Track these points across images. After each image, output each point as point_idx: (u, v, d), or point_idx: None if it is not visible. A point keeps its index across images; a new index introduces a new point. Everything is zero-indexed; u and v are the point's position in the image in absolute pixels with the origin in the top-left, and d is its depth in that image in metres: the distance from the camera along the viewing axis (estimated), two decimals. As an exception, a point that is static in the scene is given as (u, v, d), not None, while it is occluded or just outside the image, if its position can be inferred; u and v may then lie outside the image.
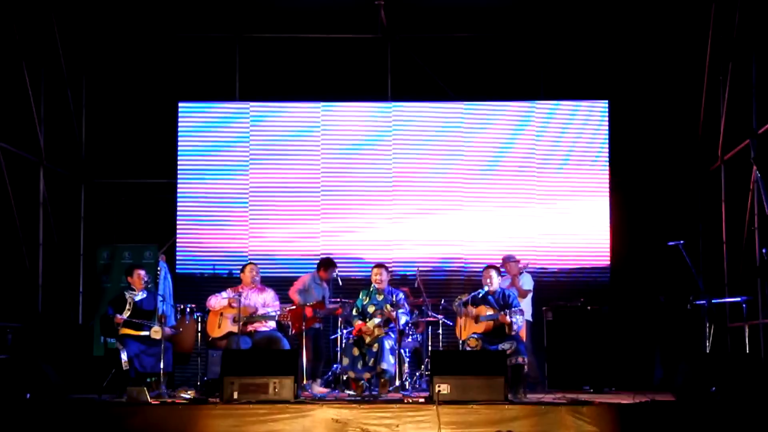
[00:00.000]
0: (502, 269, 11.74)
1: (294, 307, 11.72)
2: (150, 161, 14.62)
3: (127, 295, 11.38)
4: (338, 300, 12.21)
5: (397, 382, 11.02)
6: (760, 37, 11.99)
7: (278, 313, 11.57)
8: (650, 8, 13.93)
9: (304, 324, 11.66)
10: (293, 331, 11.60)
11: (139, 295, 11.40)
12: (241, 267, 12.09)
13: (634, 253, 14.07)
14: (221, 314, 11.52)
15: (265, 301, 11.65)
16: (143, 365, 10.94)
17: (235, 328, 11.26)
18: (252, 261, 12.18)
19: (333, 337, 12.31)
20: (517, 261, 12.50)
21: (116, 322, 11.14)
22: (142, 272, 11.55)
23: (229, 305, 11.45)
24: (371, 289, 11.29)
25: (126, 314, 11.22)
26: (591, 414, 9.03)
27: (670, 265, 12.71)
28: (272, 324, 11.57)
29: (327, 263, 12.32)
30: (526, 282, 12.31)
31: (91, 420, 9.25)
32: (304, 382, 11.30)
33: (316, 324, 11.99)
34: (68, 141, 14.31)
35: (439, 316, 12.48)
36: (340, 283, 12.35)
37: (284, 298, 12.11)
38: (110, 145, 14.71)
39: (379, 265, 11.40)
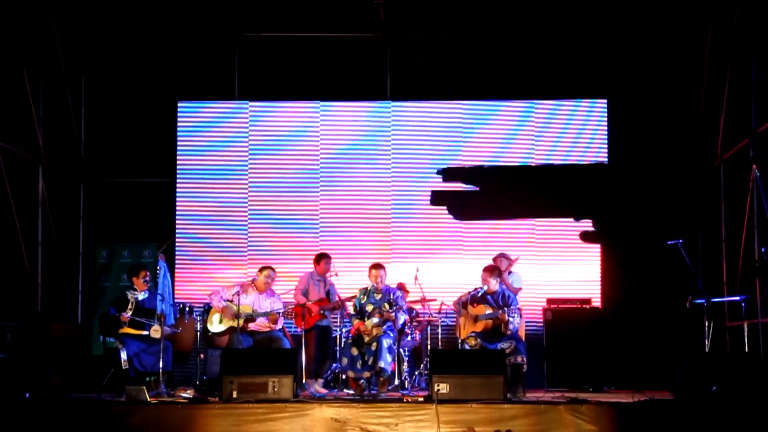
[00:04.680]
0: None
1: (296, 304, 11.76)
2: (149, 160, 14.62)
3: (129, 294, 11.37)
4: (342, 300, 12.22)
5: (396, 381, 11.03)
6: (760, 36, 11.99)
7: (282, 310, 11.57)
8: (649, 7, 13.93)
9: (304, 323, 11.68)
10: (299, 329, 11.61)
11: (141, 295, 11.39)
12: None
13: (634, 252, 14.06)
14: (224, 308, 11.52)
15: (272, 307, 11.61)
16: (143, 364, 10.94)
17: (236, 323, 11.24)
18: (270, 266, 12.09)
19: (333, 335, 12.30)
20: (509, 259, 12.50)
21: (122, 320, 11.13)
22: (148, 273, 11.56)
23: (225, 313, 11.40)
24: (369, 288, 11.30)
25: (129, 314, 11.22)
26: (590, 413, 9.04)
27: (670, 264, 12.71)
28: (280, 325, 11.54)
29: (320, 257, 12.32)
30: (516, 280, 12.31)
31: (90, 419, 9.25)
32: (305, 380, 11.30)
33: (323, 321, 12.00)
34: (67, 140, 14.32)
35: (439, 315, 12.50)
36: (339, 281, 12.33)
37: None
38: (109, 145, 14.71)
39: (377, 265, 11.41)
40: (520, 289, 12.33)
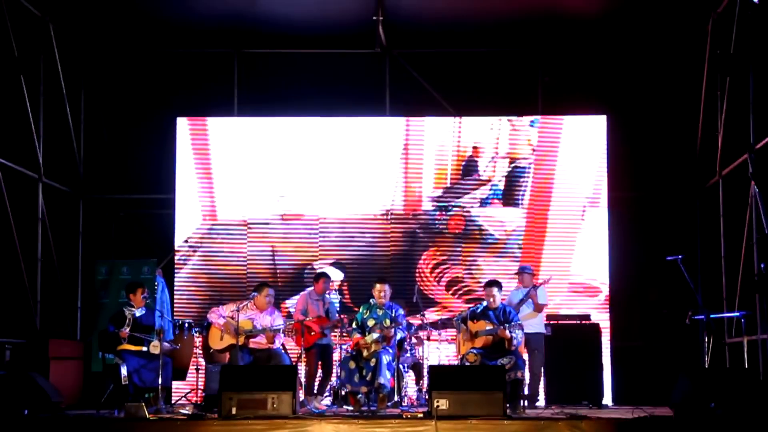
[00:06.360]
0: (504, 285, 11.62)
1: (294, 321, 11.79)
2: (148, 176, 14.63)
3: (126, 311, 11.33)
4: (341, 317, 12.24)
5: (396, 398, 11.01)
6: (758, 53, 12.02)
7: (282, 327, 11.54)
8: (648, 25, 13.96)
9: (303, 341, 11.69)
10: (299, 347, 11.63)
11: (138, 312, 11.36)
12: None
13: (633, 267, 14.07)
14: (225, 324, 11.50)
15: (273, 323, 11.57)
16: (143, 380, 10.90)
17: (236, 340, 11.21)
18: (267, 283, 12.04)
19: (333, 353, 12.29)
20: (533, 273, 12.48)
21: (121, 336, 11.08)
22: (146, 289, 11.55)
23: (227, 329, 11.37)
24: (372, 303, 11.29)
25: (127, 330, 11.17)
26: (589, 429, 9.02)
27: (669, 279, 12.71)
28: (278, 343, 11.50)
29: (319, 276, 12.36)
30: (542, 296, 12.26)
31: (89, 436, 9.25)
32: (303, 397, 11.28)
33: (323, 340, 12.01)
34: (67, 157, 14.32)
35: (439, 332, 12.49)
36: (338, 299, 12.35)
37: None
38: (109, 161, 14.72)
39: (382, 281, 11.40)
40: (545, 305, 12.27)
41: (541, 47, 14.56)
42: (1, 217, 12.34)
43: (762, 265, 10.52)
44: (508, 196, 14.18)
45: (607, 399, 12.80)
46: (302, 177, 14.28)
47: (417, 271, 14.01)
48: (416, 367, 12.24)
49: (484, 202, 14.18)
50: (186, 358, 12.30)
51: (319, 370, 12.18)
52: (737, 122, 12.66)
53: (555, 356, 12.39)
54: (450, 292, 13.97)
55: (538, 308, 12.03)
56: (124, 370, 10.85)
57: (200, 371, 11.96)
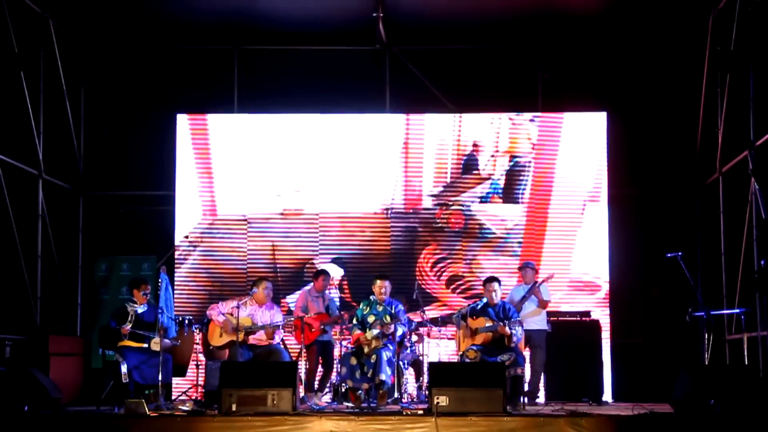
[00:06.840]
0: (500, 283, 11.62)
1: (294, 318, 11.81)
2: (148, 173, 14.63)
3: (129, 307, 11.31)
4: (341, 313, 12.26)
5: (396, 394, 11.01)
6: (758, 49, 12.01)
7: (281, 323, 11.55)
8: (648, 21, 13.96)
9: (303, 337, 11.70)
10: (300, 344, 11.64)
11: (141, 308, 11.35)
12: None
13: (633, 264, 14.07)
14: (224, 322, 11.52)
15: (272, 319, 11.58)
16: (144, 377, 10.88)
17: (236, 337, 11.23)
18: (266, 277, 12.09)
19: (333, 349, 12.29)
20: (535, 269, 12.47)
21: (123, 333, 11.07)
22: (149, 286, 11.55)
23: (225, 327, 11.39)
24: (372, 299, 11.28)
25: (129, 326, 11.16)
26: (590, 426, 9.04)
27: (669, 276, 12.71)
28: (277, 339, 11.51)
29: (318, 273, 12.37)
30: (545, 292, 12.21)
31: (89, 432, 9.26)
32: (302, 394, 11.29)
33: (324, 336, 12.02)
34: (67, 153, 14.31)
35: (439, 328, 12.49)
36: (338, 296, 12.35)
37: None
38: (109, 157, 14.72)
39: (383, 277, 11.39)
40: (549, 301, 12.23)
41: (541, 44, 14.56)
42: (1, 214, 12.34)
43: (762, 262, 10.51)
44: (508, 193, 14.17)
45: (607, 396, 12.80)
46: (302, 173, 14.26)
47: (417, 267, 14.03)
48: (416, 363, 12.26)
49: (484, 199, 14.17)
50: (186, 354, 12.30)
51: (320, 367, 12.20)
52: (737, 119, 12.65)
53: (555, 353, 12.39)
54: (450, 288, 13.98)
55: (543, 304, 12.01)
56: (124, 368, 10.83)
57: (200, 368, 11.96)
